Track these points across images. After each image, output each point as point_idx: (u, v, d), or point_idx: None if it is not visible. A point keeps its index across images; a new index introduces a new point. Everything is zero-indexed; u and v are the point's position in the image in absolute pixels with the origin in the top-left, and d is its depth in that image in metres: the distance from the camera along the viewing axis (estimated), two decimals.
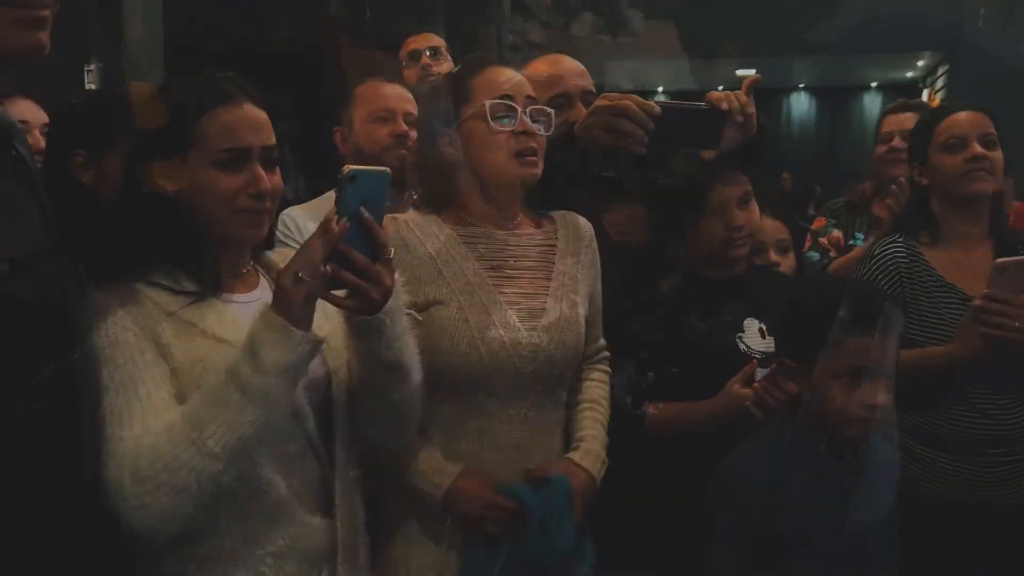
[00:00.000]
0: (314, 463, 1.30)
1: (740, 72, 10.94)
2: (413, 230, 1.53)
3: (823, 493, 1.49)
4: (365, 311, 1.20)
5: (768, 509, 1.47)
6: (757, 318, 1.82)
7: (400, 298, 1.27)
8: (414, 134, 2.01)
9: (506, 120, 1.49)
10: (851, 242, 2.54)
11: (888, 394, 1.46)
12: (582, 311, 1.58)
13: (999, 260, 1.75)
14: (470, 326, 1.47)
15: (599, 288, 1.67)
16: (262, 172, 1.23)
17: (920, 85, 11.05)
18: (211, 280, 1.25)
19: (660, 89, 12.07)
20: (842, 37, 8.84)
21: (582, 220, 1.66)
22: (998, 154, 1.89)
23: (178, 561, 1.20)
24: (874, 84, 11.88)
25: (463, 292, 1.49)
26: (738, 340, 1.80)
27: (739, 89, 1.79)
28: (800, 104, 12.15)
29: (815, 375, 1.48)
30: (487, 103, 1.48)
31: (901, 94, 11.58)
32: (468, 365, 1.47)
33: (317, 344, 1.17)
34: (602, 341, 1.71)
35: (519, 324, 1.49)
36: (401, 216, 1.57)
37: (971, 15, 8.64)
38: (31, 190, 0.98)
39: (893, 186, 2.20)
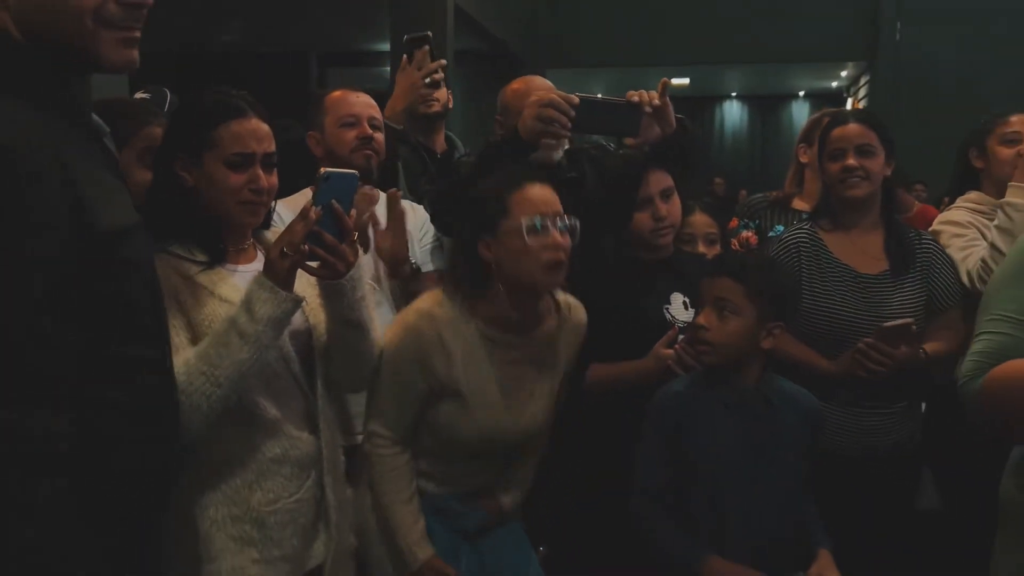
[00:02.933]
0: (300, 395, 1.61)
1: (674, 81, 11.29)
2: (448, 330, 1.74)
3: (725, 417, 1.79)
4: (332, 278, 1.53)
5: (678, 427, 1.78)
6: (682, 292, 2.11)
7: (360, 269, 1.58)
8: (379, 136, 2.21)
9: (540, 234, 1.70)
10: (771, 234, 2.72)
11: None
12: (552, 399, 1.88)
13: (885, 324, 2.04)
14: (476, 421, 1.77)
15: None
16: (262, 173, 1.55)
17: (844, 94, 11.44)
18: (218, 253, 1.57)
19: (599, 95, 12.37)
20: (771, 48, 9.21)
21: (582, 313, 1.90)
22: (873, 161, 2.15)
23: (193, 467, 1.49)
24: (801, 93, 12.28)
25: (476, 393, 1.77)
26: (665, 311, 2.09)
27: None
28: (732, 111, 12.47)
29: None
30: (524, 222, 1.68)
31: (827, 102, 12.04)
32: (467, 443, 1.80)
33: (298, 301, 1.49)
34: None
35: (510, 423, 1.81)
36: (438, 314, 1.77)
37: (889, 28, 9.08)
38: (119, 177, 1.17)
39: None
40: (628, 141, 2.21)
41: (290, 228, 1.47)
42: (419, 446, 1.83)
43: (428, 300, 1.80)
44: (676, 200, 2.11)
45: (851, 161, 2.14)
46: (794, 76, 11.33)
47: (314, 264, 1.51)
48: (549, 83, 2.36)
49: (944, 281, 2.19)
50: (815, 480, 1.86)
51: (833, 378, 2.10)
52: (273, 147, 1.57)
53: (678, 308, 2.10)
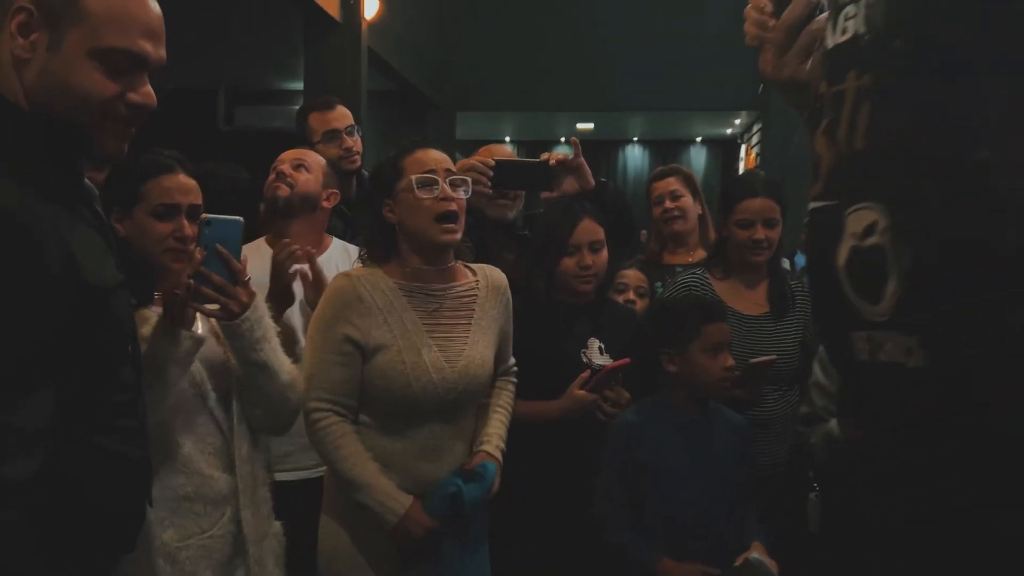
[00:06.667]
0: (216, 432, 1.65)
1: (580, 125, 11.65)
2: (364, 284, 1.87)
3: (674, 435, 2.07)
4: (226, 318, 1.59)
5: (634, 445, 2.04)
6: (599, 338, 2.24)
7: (260, 311, 1.64)
8: (300, 175, 2.33)
9: (428, 188, 1.85)
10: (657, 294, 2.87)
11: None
12: (491, 351, 1.95)
13: (752, 360, 2.22)
14: (406, 366, 1.82)
15: (510, 325, 2.05)
16: (187, 223, 1.64)
17: (739, 140, 12.02)
18: (144, 295, 1.64)
19: (507, 139, 12.64)
20: (671, 96, 9.62)
21: (499, 273, 2.05)
22: (776, 231, 2.39)
23: None
24: (699, 138, 12.76)
25: (403, 338, 1.84)
26: (581, 354, 2.22)
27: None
28: (634, 155, 12.87)
29: (688, 352, 2.06)
30: (413, 177, 1.85)
31: (722, 148, 12.62)
32: (403, 395, 1.83)
33: (198, 341, 1.56)
34: (512, 360, 2.10)
35: (444, 364, 1.86)
36: (354, 272, 1.93)
37: None
38: (107, 238, 1.23)
39: None
40: (544, 195, 2.44)
41: (178, 271, 1.56)
42: (367, 440, 1.85)
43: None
44: (604, 253, 2.25)
45: (759, 235, 2.36)
46: (692, 123, 11.75)
47: (212, 307, 1.57)
48: (508, 150, 2.64)
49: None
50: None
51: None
52: (199, 200, 1.68)
53: (594, 352, 2.22)
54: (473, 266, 2.02)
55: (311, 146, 2.80)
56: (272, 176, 2.35)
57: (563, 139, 12.48)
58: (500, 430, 1.98)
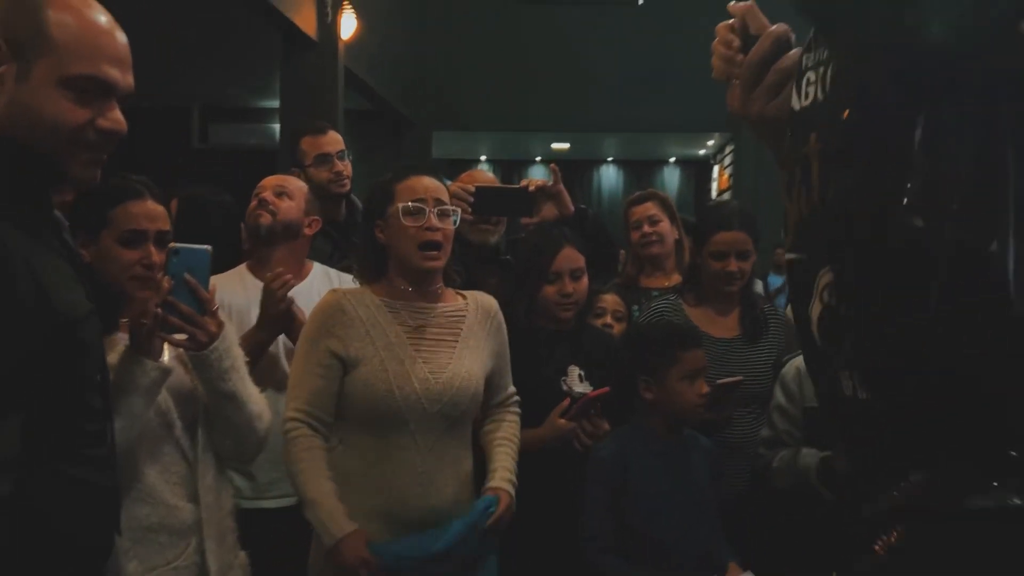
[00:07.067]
0: (181, 461, 1.64)
1: (555, 145, 11.74)
2: (349, 299, 1.90)
3: (656, 462, 2.09)
4: (194, 348, 1.57)
5: (619, 475, 2.05)
6: (579, 365, 2.24)
7: (229, 341, 1.63)
8: (283, 203, 2.34)
9: (415, 216, 1.88)
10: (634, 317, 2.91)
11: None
12: (480, 369, 1.94)
13: (719, 381, 2.22)
14: (389, 375, 1.82)
15: (506, 351, 2.05)
16: (154, 250, 1.62)
17: (711, 161, 12.15)
18: (111, 323, 1.60)
19: (483, 158, 12.69)
20: (645, 118, 9.71)
21: (490, 298, 2.05)
22: (749, 262, 2.44)
23: None
24: (672, 159, 12.83)
25: (385, 349, 1.85)
26: (561, 381, 2.22)
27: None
28: (609, 175, 12.92)
29: (665, 379, 2.07)
30: (400, 205, 1.88)
31: (695, 168, 12.75)
32: (386, 405, 1.82)
33: (165, 371, 1.54)
34: (512, 389, 2.09)
35: (428, 375, 1.85)
36: (343, 288, 1.97)
37: None
38: (76, 267, 1.23)
39: None
40: (524, 221, 2.48)
41: (144, 299, 1.54)
42: (352, 464, 1.84)
43: None
44: (585, 280, 2.27)
45: (733, 267, 2.40)
46: (665, 144, 11.85)
47: (180, 337, 1.56)
48: (490, 176, 2.70)
49: (786, 347, 2.44)
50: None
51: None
52: (167, 226, 1.66)
53: (574, 380, 2.23)
54: (464, 292, 2.04)
55: (302, 169, 2.85)
56: (254, 203, 2.35)
57: (538, 158, 12.55)
58: (506, 462, 1.96)
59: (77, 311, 1.15)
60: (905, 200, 0.79)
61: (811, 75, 0.91)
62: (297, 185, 2.43)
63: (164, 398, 1.60)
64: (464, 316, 1.97)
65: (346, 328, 1.86)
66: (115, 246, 1.61)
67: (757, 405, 2.39)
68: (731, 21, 1.00)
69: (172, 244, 1.57)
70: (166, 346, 1.58)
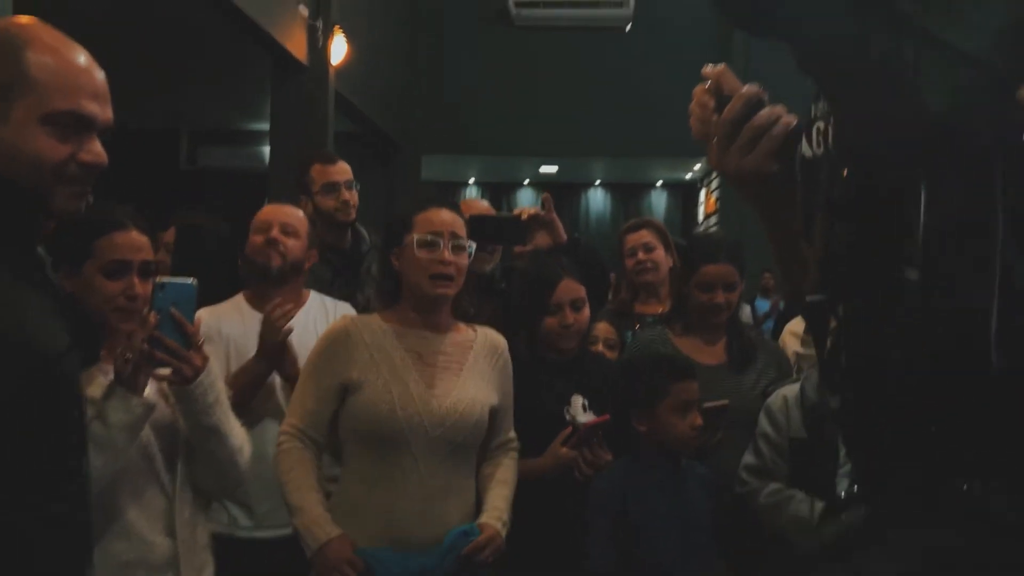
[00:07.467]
0: (160, 495, 1.63)
1: (543, 168, 11.81)
2: (357, 325, 1.96)
3: (655, 491, 2.09)
4: (180, 383, 1.57)
5: (618, 505, 2.05)
6: (582, 394, 2.23)
7: (213, 375, 1.63)
8: (291, 242, 2.34)
9: (429, 248, 1.91)
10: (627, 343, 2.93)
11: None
12: (485, 398, 1.96)
13: (705, 404, 2.23)
14: (392, 396, 1.85)
15: (510, 390, 2.06)
16: (138, 281, 1.61)
17: (698, 185, 12.24)
18: (92, 356, 1.58)
19: (471, 180, 12.75)
20: (632, 141, 9.80)
21: (499, 336, 2.07)
22: (735, 294, 2.47)
23: None
24: (659, 183, 12.88)
25: (389, 372, 1.88)
26: (565, 411, 2.21)
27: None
28: (596, 198, 12.95)
29: (657, 412, 2.08)
30: (416, 236, 1.91)
31: (682, 191, 12.83)
32: (389, 426, 1.83)
33: (149, 407, 1.53)
34: (512, 434, 2.10)
35: (431, 398, 1.87)
36: (351, 315, 2.04)
37: None
38: (57, 303, 1.23)
39: None
40: (517, 249, 2.50)
41: (130, 334, 1.53)
42: (356, 493, 1.84)
43: None
44: (586, 311, 2.28)
45: (720, 299, 2.44)
46: (653, 167, 11.92)
47: (165, 372, 1.56)
48: (485, 204, 2.75)
49: (774, 373, 2.47)
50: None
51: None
52: (151, 256, 1.65)
53: (577, 409, 2.22)
54: (475, 326, 2.06)
55: (310, 196, 2.88)
56: (260, 240, 2.33)
57: (527, 181, 12.61)
58: (499, 503, 1.97)
59: (56, 347, 1.16)
60: (903, 257, 0.84)
61: (820, 124, 0.97)
62: (300, 219, 2.43)
63: (146, 433, 1.59)
64: (472, 347, 2.00)
65: (351, 352, 1.90)
66: (98, 277, 1.59)
67: (745, 432, 2.40)
68: (707, 84, 1.05)
69: (158, 278, 1.57)
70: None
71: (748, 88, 1.01)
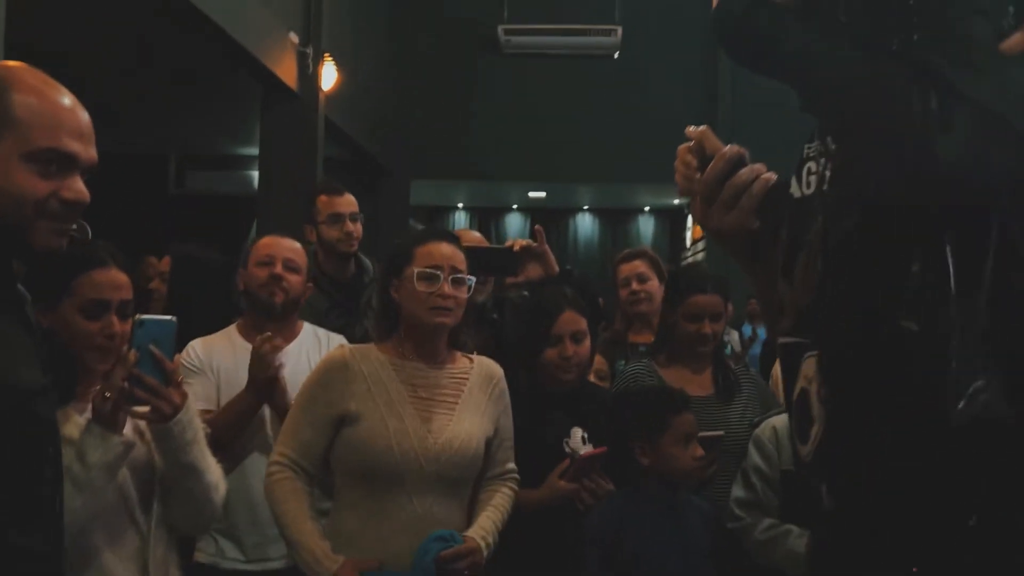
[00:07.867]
0: (135, 534, 1.62)
1: (532, 194, 11.86)
2: (355, 355, 1.94)
3: (655, 523, 2.08)
4: (159, 420, 1.56)
5: (612, 537, 2.04)
6: (582, 427, 2.22)
7: (191, 413, 1.62)
8: (292, 277, 2.33)
9: (429, 282, 1.90)
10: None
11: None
12: (480, 431, 1.95)
13: (700, 434, 2.22)
14: (388, 431, 1.84)
15: (508, 421, 2.05)
16: (116, 320, 1.59)
17: (685, 211, 12.31)
18: (67, 394, 1.57)
19: (460, 205, 12.79)
20: (619, 167, 9.86)
21: (495, 365, 2.06)
22: (721, 323, 2.50)
23: None
24: (647, 208, 12.99)
25: (386, 406, 1.87)
26: (564, 443, 2.20)
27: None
28: (584, 223, 13.02)
29: (659, 445, 2.07)
30: (416, 269, 1.91)
31: (669, 217, 12.90)
32: (384, 462, 1.83)
33: (129, 446, 1.52)
34: (511, 464, 2.08)
35: (427, 434, 1.87)
36: (348, 346, 2.01)
37: None
38: (36, 341, 1.24)
39: None
40: (509, 280, 2.53)
41: (109, 372, 1.52)
42: (349, 525, 1.84)
43: None
44: (587, 343, 2.28)
45: (707, 329, 2.46)
46: (640, 193, 12.00)
47: (143, 409, 1.55)
48: (477, 235, 2.78)
49: (760, 406, 2.49)
50: None
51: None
52: (130, 295, 1.63)
53: (577, 442, 2.21)
54: (472, 356, 2.06)
55: (315, 225, 2.91)
56: (264, 274, 2.32)
57: (515, 206, 12.66)
58: (487, 524, 1.94)
59: (32, 386, 1.16)
60: (900, 307, 0.83)
61: (812, 165, 0.97)
62: (301, 254, 2.42)
63: (122, 472, 1.58)
64: (467, 379, 1.99)
65: (348, 384, 1.89)
66: (77, 315, 1.57)
67: (734, 463, 2.39)
68: (689, 144, 1.08)
69: (138, 316, 1.56)
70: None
71: (729, 148, 1.03)
